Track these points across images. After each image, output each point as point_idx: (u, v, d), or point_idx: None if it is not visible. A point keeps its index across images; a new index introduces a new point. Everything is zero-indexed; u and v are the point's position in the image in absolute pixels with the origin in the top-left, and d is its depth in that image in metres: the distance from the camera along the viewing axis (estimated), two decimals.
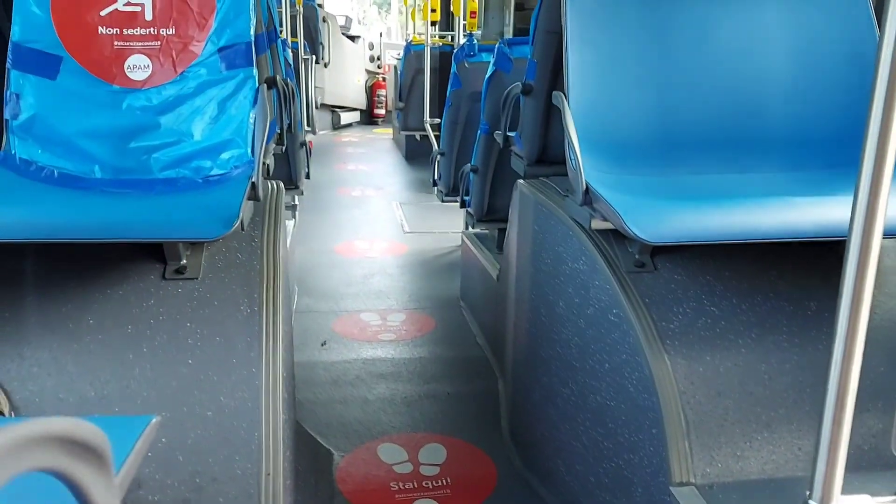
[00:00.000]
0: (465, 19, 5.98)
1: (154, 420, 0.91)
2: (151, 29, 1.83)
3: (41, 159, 1.74)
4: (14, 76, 1.77)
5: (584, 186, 1.65)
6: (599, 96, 1.82)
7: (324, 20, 8.59)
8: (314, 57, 6.55)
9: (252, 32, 1.87)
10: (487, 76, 2.98)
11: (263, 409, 1.47)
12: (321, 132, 8.82)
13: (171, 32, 1.83)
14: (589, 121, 1.79)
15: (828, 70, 1.85)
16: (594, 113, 1.81)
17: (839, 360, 1.02)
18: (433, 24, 6.78)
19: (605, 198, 1.56)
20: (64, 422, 0.45)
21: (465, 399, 2.63)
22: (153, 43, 1.83)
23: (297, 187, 3.84)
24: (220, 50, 1.84)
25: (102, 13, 1.81)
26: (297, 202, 4.47)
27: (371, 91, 10.27)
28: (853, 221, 0.97)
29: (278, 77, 2.11)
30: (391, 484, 2.11)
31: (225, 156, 1.79)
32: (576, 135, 1.71)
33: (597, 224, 1.68)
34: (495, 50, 2.99)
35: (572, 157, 1.70)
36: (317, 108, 7.22)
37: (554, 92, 1.86)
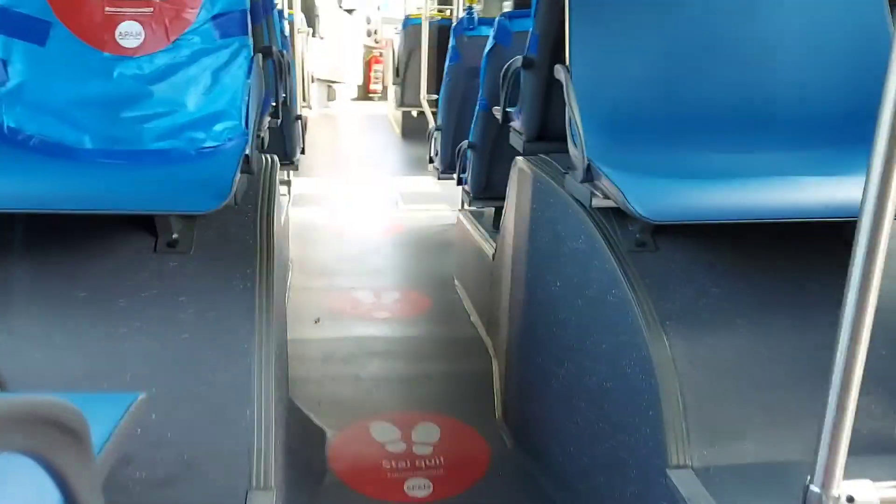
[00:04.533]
0: None
1: (140, 397, 0.88)
2: None
3: (29, 128, 1.69)
4: (2, 41, 1.71)
5: (586, 163, 1.62)
6: (603, 71, 1.78)
7: None
8: (311, 30, 6.46)
9: (248, 0, 1.82)
10: (487, 50, 2.93)
11: (256, 386, 1.44)
12: (317, 107, 8.73)
13: None
14: (591, 96, 1.75)
15: (836, 47, 1.81)
16: (597, 88, 1.77)
17: (845, 345, 1.00)
18: None
19: (607, 175, 1.53)
20: (39, 401, 0.41)
21: (459, 378, 2.61)
22: (145, 9, 1.77)
23: (291, 162, 3.79)
24: (215, 17, 1.78)
25: None
26: (291, 177, 4.42)
27: (367, 66, 10.15)
28: (864, 203, 0.95)
29: (274, 47, 2.05)
30: (383, 462, 2.09)
31: (218, 127, 1.75)
32: (578, 110, 1.68)
33: (598, 202, 1.64)
34: (495, 23, 2.94)
35: (574, 133, 1.67)
36: (312, 82, 7.13)
37: (556, 65, 1.81)
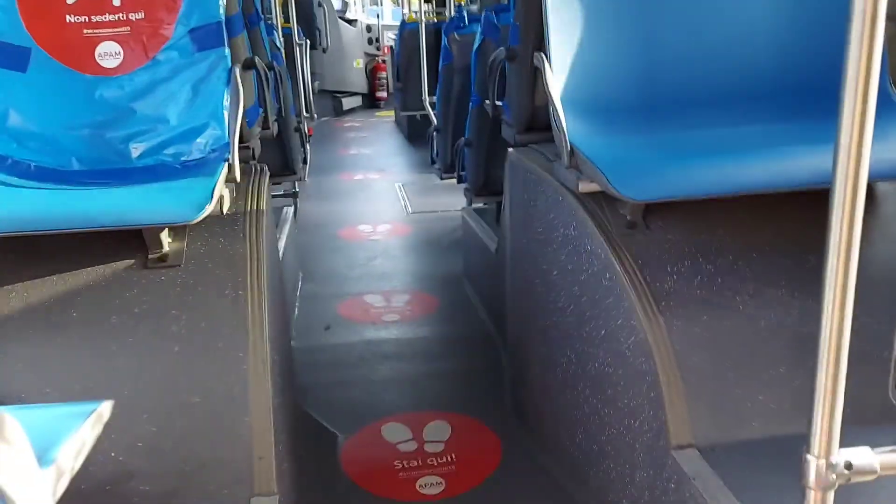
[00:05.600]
0: None
1: (101, 406, 0.88)
2: (120, 14, 1.79)
3: (16, 154, 1.71)
4: None
5: (569, 148, 1.60)
6: (582, 55, 1.77)
7: (319, 5, 8.51)
8: (308, 42, 6.49)
9: (222, 12, 1.83)
10: (475, 46, 2.92)
11: (251, 393, 1.45)
12: (323, 118, 8.77)
13: (140, 16, 1.79)
14: (572, 81, 1.74)
15: (816, 16, 1.78)
16: (577, 73, 1.75)
17: (830, 309, 0.98)
18: (427, 0, 6.69)
19: (589, 158, 1.51)
20: None
21: (470, 375, 2.60)
22: (123, 28, 1.79)
23: (294, 173, 3.80)
24: (191, 31, 1.80)
25: (69, 1, 1.78)
26: (297, 189, 4.44)
27: (372, 74, 10.19)
28: (836, 166, 0.93)
29: (257, 58, 2.06)
30: (395, 463, 2.09)
31: (202, 139, 1.76)
32: (558, 96, 1.67)
33: (584, 187, 1.63)
34: (482, 18, 2.93)
35: (556, 120, 1.65)
36: (315, 93, 7.16)
37: (535, 53, 1.80)
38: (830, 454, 1.02)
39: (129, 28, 1.79)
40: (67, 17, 1.78)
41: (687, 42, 1.80)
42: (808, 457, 1.02)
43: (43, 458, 0.62)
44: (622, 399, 1.59)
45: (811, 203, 1.61)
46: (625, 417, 1.58)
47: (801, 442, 1.04)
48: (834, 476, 1.00)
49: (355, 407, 2.40)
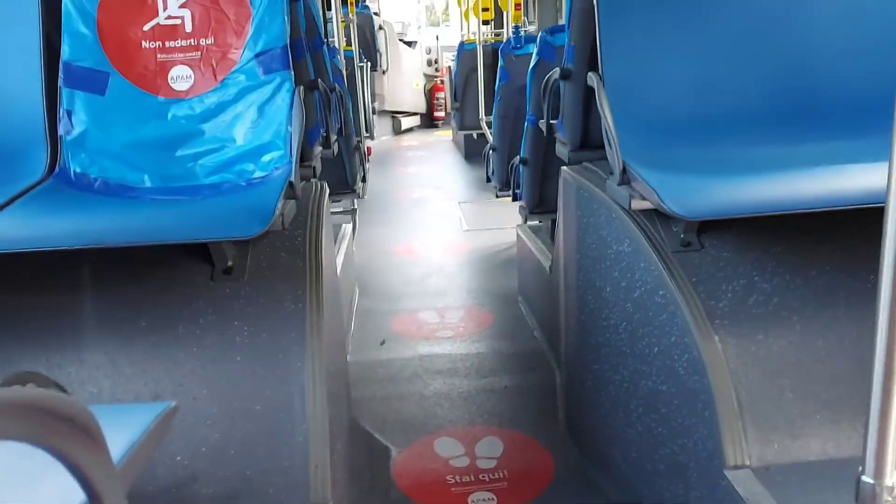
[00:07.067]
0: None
1: (169, 406, 0.93)
2: (192, 40, 1.90)
3: (93, 171, 1.82)
4: (66, 94, 1.86)
5: (622, 166, 1.61)
6: (635, 74, 1.78)
7: (380, 28, 8.70)
8: (369, 64, 6.65)
9: (287, 37, 1.91)
10: (531, 66, 2.96)
11: (308, 403, 1.49)
12: (382, 138, 8.93)
13: (210, 42, 1.89)
14: (626, 99, 1.76)
15: (882, 25, 1.75)
16: (631, 91, 1.77)
17: (884, 329, 0.97)
18: (486, 22, 6.78)
19: (641, 175, 1.52)
20: (39, 392, 0.46)
21: (523, 392, 2.61)
22: (194, 53, 1.89)
23: (353, 191, 3.90)
24: (258, 55, 1.89)
25: (145, 28, 1.89)
26: (356, 206, 4.53)
27: (430, 94, 10.35)
28: (890, 183, 0.92)
29: (320, 81, 2.14)
30: (447, 477, 2.11)
31: (266, 158, 1.84)
32: (611, 114, 1.68)
33: (637, 204, 1.64)
34: (538, 39, 2.97)
35: (609, 137, 1.67)
36: (374, 113, 7.32)
37: (588, 73, 1.82)
38: (884, 476, 1.00)
39: (199, 53, 1.89)
40: (143, 43, 1.88)
41: (740, 61, 1.80)
42: (863, 478, 1.01)
43: (114, 454, 0.67)
44: (675, 418, 1.58)
45: (870, 221, 1.58)
46: (678, 436, 1.57)
47: (858, 464, 1.03)
48: (890, 499, 0.98)
49: (408, 421, 2.44)
